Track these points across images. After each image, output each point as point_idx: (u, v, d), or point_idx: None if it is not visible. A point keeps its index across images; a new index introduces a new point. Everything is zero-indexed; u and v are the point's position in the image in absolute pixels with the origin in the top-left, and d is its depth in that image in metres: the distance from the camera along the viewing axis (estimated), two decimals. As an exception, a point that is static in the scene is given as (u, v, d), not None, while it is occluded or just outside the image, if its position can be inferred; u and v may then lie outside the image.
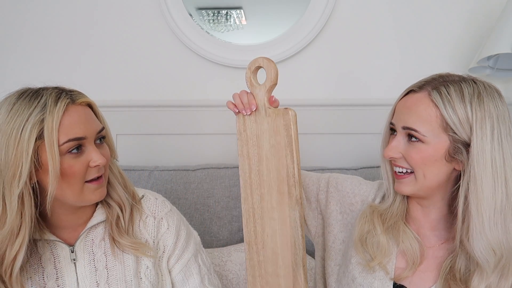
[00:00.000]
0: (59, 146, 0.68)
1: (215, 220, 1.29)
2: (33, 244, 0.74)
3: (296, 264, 0.70)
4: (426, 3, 1.41)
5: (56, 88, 0.74)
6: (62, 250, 0.77)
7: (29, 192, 0.68)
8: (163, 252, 0.85)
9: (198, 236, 0.96)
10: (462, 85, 0.69)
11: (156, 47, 1.43)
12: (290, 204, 0.71)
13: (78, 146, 0.71)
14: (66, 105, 0.70)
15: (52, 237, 0.76)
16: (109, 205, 0.80)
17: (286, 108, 0.71)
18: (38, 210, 0.72)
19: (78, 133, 0.70)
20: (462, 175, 0.70)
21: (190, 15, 1.40)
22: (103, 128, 0.77)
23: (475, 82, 0.71)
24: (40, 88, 0.72)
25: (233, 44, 1.42)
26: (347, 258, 0.81)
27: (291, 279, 0.70)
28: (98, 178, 0.75)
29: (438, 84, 0.71)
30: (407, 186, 0.74)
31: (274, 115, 0.72)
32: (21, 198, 0.67)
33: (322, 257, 0.88)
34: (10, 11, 1.41)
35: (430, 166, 0.71)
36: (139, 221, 0.83)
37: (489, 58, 1.31)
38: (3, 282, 0.69)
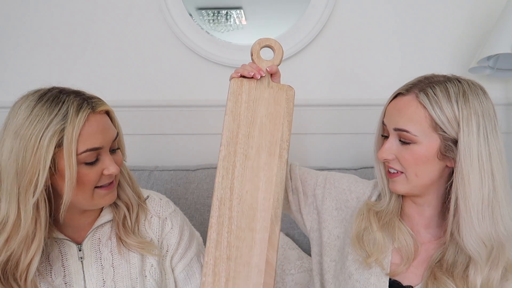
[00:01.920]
0: (77, 155, 0.68)
1: (215, 220, 1.29)
2: None
3: (276, 217, 0.78)
4: (426, 3, 1.41)
5: (77, 95, 0.72)
6: (70, 248, 0.78)
7: (44, 199, 0.68)
8: (167, 251, 0.86)
9: (201, 238, 0.97)
10: (447, 85, 0.72)
11: (155, 47, 1.43)
12: (279, 165, 0.79)
13: (96, 158, 0.71)
14: (88, 115, 0.69)
15: (61, 236, 0.77)
16: (116, 206, 0.82)
17: (289, 85, 0.83)
18: (52, 213, 0.73)
19: (96, 143, 0.70)
20: (454, 172, 0.72)
21: (190, 15, 1.40)
22: (118, 135, 0.77)
23: (459, 81, 0.73)
24: (60, 93, 0.71)
25: (233, 44, 1.42)
26: (343, 255, 0.83)
27: (268, 232, 0.77)
28: (109, 184, 0.76)
29: (424, 86, 0.73)
30: (401, 185, 0.77)
31: (277, 88, 0.82)
32: (36, 205, 0.67)
33: (317, 253, 0.90)
34: (10, 11, 1.41)
35: (422, 166, 0.73)
36: (145, 220, 0.85)
37: (489, 58, 1.31)
38: (18, 285, 0.69)
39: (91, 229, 0.80)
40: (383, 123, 0.80)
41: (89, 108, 0.70)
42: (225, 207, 0.77)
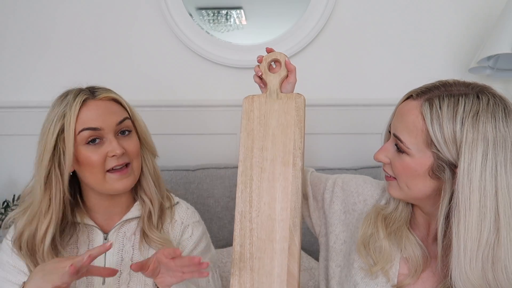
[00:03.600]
0: (76, 134, 0.76)
1: (215, 220, 1.29)
2: (74, 227, 0.83)
3: (294, 226, 0.78)
4: (427, 3, 1.41)
5: (82, 87, 0.82)
6: (97, 235, 0.84)
7: (58, 178, 0.77)
8: None
9: (216, 255, 0.98)
10: (460, 99, 0.62)
11: (155, 47, 1.43)
12: (294, 174, 0.80)
13: (95, 138, 0.77)
14: (84, 100, 0.78)
15: (91, 222, 0.83)
16: (143, 201, 0.87)
17: (298, 93, 0.85)
18: (73, 197, 0.82)
19: (94, 124, 0.77)
20: (442, 195, 0.65)
21: (190, 15, 1.40)
22: (124, 119, 0.81)
23: (478, 97, 0.63)
24: (71, 89, 0.82)
25: (233, 44, 1.42)
26: (349, 262, 0.81)
27: (287, 242, 0.78)
28: (123, 168, 0.79)
29: (435, 94, 0.65)
30: (395, 190, 0.73)
31: (286, 98, 0.85)
32: (48, 181, 0.76)
33: (324, 257, 0.88)
34: (2, 12, 1.42)
35: (413, 179, 0.68)
36: (169, 224, 0.89)
37: (489, 58, 1.31)
38: (35, 254, 0.77)
39: (119, 222, 0.84)
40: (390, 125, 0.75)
41: (86, 95, 0.79)
42: (246, 220, 0.80)
